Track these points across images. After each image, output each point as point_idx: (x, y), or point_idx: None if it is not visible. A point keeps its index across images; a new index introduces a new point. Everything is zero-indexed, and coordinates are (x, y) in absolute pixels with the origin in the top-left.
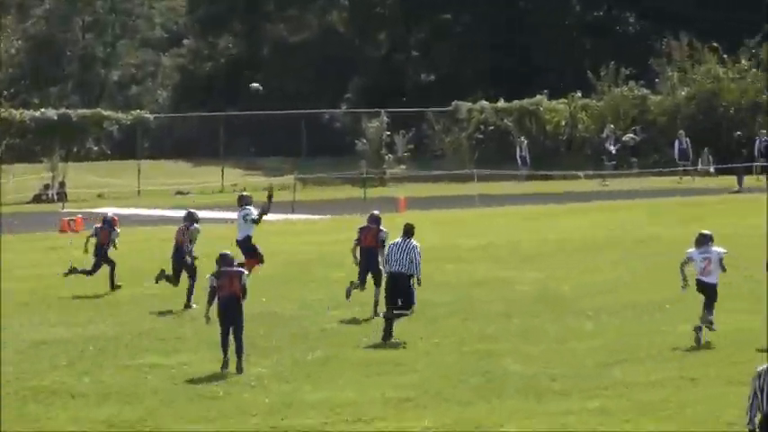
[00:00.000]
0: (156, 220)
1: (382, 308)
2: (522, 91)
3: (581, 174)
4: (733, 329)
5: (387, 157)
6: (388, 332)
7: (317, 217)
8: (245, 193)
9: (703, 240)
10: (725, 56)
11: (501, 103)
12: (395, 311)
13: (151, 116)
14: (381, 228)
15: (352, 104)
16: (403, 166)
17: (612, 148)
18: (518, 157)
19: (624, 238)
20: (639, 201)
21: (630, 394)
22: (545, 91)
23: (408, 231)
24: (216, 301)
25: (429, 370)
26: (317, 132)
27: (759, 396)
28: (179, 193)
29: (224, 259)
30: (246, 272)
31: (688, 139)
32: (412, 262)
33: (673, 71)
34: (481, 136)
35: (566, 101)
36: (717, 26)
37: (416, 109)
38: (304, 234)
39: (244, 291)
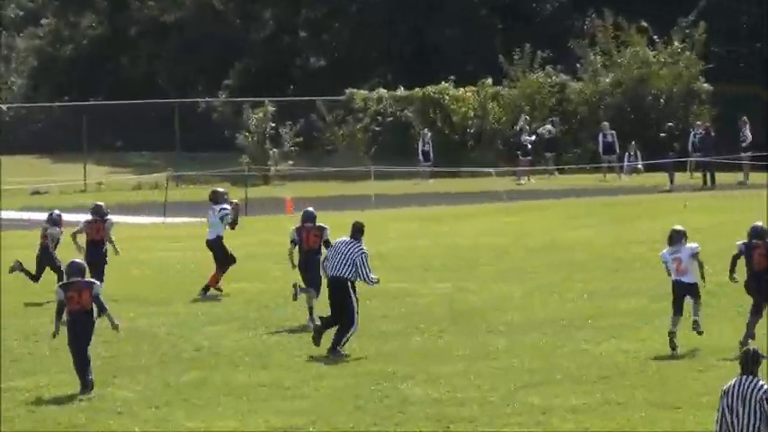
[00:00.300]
0: (9, 224)
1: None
2: (424, 77)
3: (492, 171)
4: (662, 346)
5: (272, 151)
6: (316, 338)
7: (192, 220)
8: (220, 189)
9: (675, 238)
10: (655, 37)
11: (401, 91)
12: (332, 341)
13: (4, 106)
14: (325, 226)
15: (233, 92)
16: (290, 163)
17: (528, 142)
18: (420, 151)
19: (541, 244)
20: (558, 201)
21: (549, 421)
22: (451, 77)
23: (358, 231)
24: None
25: (319, 395)
26: (192, 124)
27: (727, 416)
28: (36, 192)
29: (71, 268)
30: (99, 283)
31: (613, 132)
32: (353, 266)
33: (596, 55)
34: (378, 128)
35: (474, 89)
36: (646, 4)
37: (305, 98)
38: (178, 239)
39: (99, 304)
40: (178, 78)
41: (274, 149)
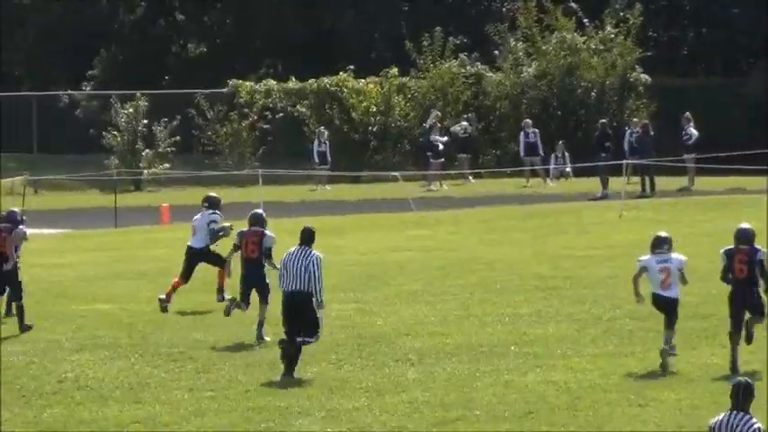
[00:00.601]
0: None
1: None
2: (320, 67)
3: (398, 175)
4: (596, 377)
5: (144, 153)
6: (288, 369)
7: (52, 231)
8: (213, 194)
9: (661, 244)
10: (585, 21)
11: (293, 83)
12: (297, 340)
13: None
14: (266, 231)
15: (99, 85)
16: (165, 166)
17: (439, 142)
18: (315, 153)
19: (455, 260)
20: (474, 210)
21: None
22: (350, 67)
23: (308, 238)
24: None
25: None
26: (52, 121)
27: None
28: None
29: None
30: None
31: (537, 131)
32: (311, 278)
33: (517, 41)
34: (267, 126)
35: (377, 80)
36: None
37: (183, 90)
38: (37, 254)
39: None
40: (35, 68)
41: (147, 150)
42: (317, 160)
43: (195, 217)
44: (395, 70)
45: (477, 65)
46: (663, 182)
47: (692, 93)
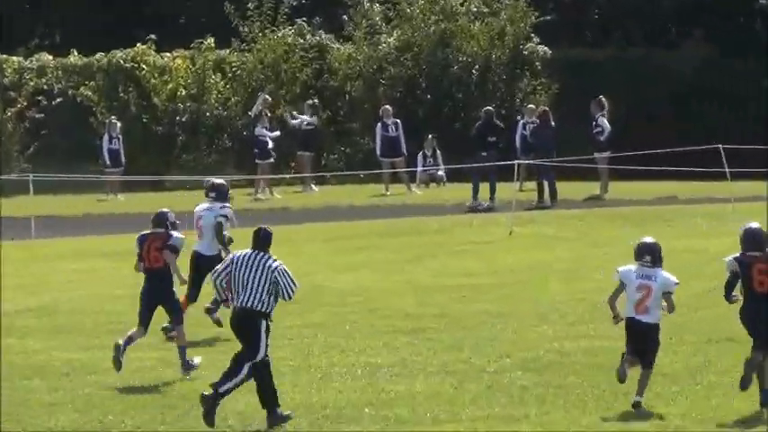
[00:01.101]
0: None
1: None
2: (111, 38)
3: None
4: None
5: None
6: (209, 413)
7: None
8: (220, 180)
9: (642, 253)
10: None
11: (74, 58)
12: (218, 389)
13: None
14: (173, 232)
15: None
16: None
17: (268, 138)
18: (106, 151)
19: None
20: (317, 226)
21: None
22: (151, 37)
23: (263, 240)
24: None
25: None
26: None
27: None
28: None
29: None
30: None
31: (398, 121)
32: (273, 289)
33: (372, 3)
34: (41, 115)
35: (187, 54)
36: None
37: None
38: None
39: None
40: None
41: None
42: (107, 161)
43: (198, 211)
44: (211, 41)
45: (321, 34)
46: (567, 188)
47: (605, 69)
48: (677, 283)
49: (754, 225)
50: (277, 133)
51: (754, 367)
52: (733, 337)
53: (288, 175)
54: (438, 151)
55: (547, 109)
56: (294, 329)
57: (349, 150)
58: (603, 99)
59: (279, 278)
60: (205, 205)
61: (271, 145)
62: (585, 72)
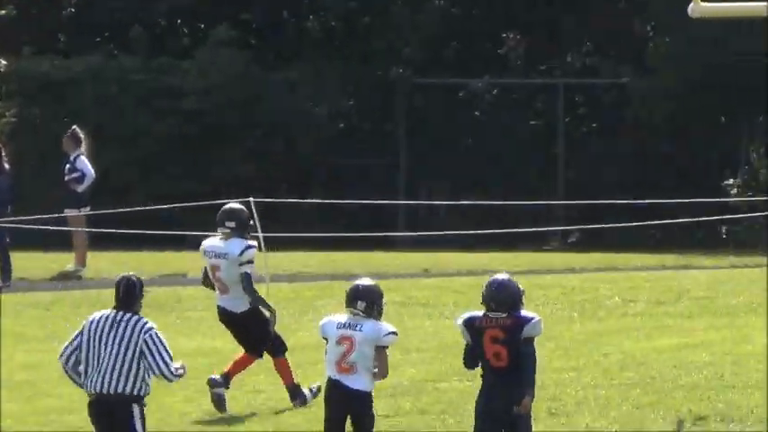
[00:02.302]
0: None
1: None
2: None
3: None
4: None
5: None
6: None
7: None
8: (235, 206)
9: (353, 300)
10: None
11: None
12: None
13: None
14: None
15: None
16: None
17: None
18: None
19: None
20: None
21: None
22: None
23: (127, 294)
24: None
25: None
26: None
27: None
28: None
29: None
30: None
31: None
32: (139, 370)
33: None
34: None
35: None
36: None
37: None
38: None
39: None
40: None
41: None
42: None
43: (209, 248)
44: None
45: None
46: (29, 260)
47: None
48: (391, 335)
49: (502, 277)
50: None
51: None
52: None
53: None
54: None
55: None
56: None
57: None
58: (78, 130)
59: (146, 348)
60: (219, 246)
61: None
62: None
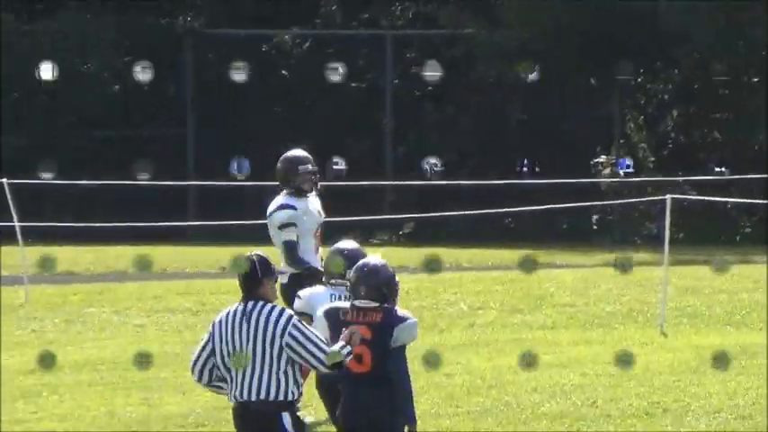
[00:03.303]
0: None
1: None
2: None
3: None
4: None
5: None
6: None
7: None
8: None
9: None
10: None
11: None
12: None
13: None
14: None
15: None
16: None
17: None
18: None
19: None
20: None
21: None
22: None
23: (248, 279)
24: None
25: None
26: None
27: None
28: None
29: None
30: None
31: None
32: (286, 371)
33: None
34: None
35: None
36: None
37: None
38: None
39: None
40: None
41: None
42: None
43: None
44: None
45: None
46: None
47: None
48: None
49: (372, 262)
50: None
51: None
52: None
53: None
54: None
55: None
56: None
57: None
58: None
59: (297, 345)
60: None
61: None
62: None
